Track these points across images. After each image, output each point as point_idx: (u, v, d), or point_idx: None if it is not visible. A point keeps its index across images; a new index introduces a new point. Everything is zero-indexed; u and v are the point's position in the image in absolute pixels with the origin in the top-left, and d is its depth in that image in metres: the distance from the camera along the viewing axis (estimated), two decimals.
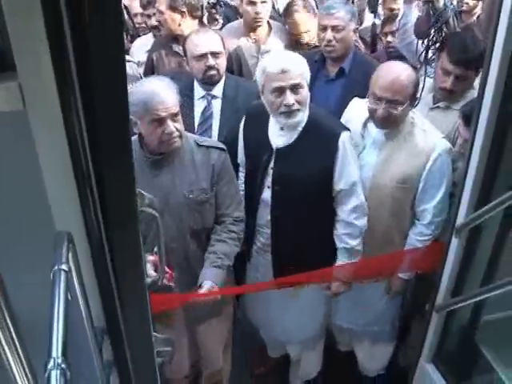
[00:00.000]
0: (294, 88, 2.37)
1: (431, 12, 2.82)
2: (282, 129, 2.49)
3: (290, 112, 2.40)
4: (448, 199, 2.50)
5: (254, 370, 3.41)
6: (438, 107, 2.78)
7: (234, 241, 2.51)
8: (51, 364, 0.96)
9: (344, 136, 2.46)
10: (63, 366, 0.97)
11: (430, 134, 2.50)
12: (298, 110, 2.41)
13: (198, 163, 2.42)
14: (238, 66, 3.32)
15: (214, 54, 2.83)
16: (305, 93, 2.41)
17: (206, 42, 2.84)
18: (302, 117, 2.45)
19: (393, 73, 2.41)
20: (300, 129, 2.48)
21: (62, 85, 1.18)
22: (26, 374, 0.74)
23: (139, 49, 3.57)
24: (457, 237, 2.09)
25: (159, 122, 2.26)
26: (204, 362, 2.91)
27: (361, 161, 2.56)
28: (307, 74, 2.42)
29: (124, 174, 0.91)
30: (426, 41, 2.83)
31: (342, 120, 2.68)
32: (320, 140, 2.46)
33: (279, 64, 2.36)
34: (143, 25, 4.10)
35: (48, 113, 1.25)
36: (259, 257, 2.77)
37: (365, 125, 2.57)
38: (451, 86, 2.64)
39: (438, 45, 2.80)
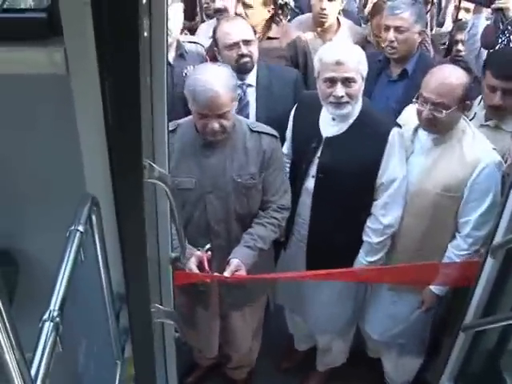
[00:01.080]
0: (346, 81, 2.36)
1: (501, 21, 2.70)
2: (333, 119, 2.49)
3: (338, 103, 2.40)
4: (492, 215, 2.35)
5: (281, 364, 3.42)
6: (488, 126, 2.67)
7: (273, 226, 2.51)
8: (46, 316, 1.01)
9: (394, 131, 2.44)
10: (57, 319, 1.01)
11: (479, 143, 2.42)
12: (348, 102, 2.40)
13: (249, 148, 2.43)
14: (303, 60, 3.29)
15: (246, 42, 2.80)
16: (357, 86, 2.39)
17: (238, 30, 2.82)
18: (351, 109, 2.44)
19: (441, 75, 2.37)
20: (351, 121, 2.47)
21: (102, 54, 1.21)
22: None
23: (203, 34, 3.60)
24: (492, 257, 2.02)
25: (204, 116, 2.28)
26: (233, 346, 2.95)
27: (408, 165, 2.51)
28: (364, 69, 2.40)
29: (131, 145, 0.94)
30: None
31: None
32: (370, 133, 2.45)
33: (335, 55, 2.36)
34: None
35: (89, 80, 1.29)
36: (298, 248, 2.76)
37: (415, 130, 2.52)
38: (499, 101, 2.52)
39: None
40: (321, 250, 2.64)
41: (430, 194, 2.45)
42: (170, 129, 2.37)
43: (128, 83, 0.89)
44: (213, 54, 3.17)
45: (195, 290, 2.60)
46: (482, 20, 3.14)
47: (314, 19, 3.55)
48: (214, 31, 2.94)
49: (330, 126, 2.51)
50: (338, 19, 3.58)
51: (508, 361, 2.21)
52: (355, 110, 2.46)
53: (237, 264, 2.39)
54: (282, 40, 3.27)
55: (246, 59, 2.83)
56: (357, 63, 2.37)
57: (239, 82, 2.89)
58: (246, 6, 3.08)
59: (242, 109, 2.88)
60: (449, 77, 2.35)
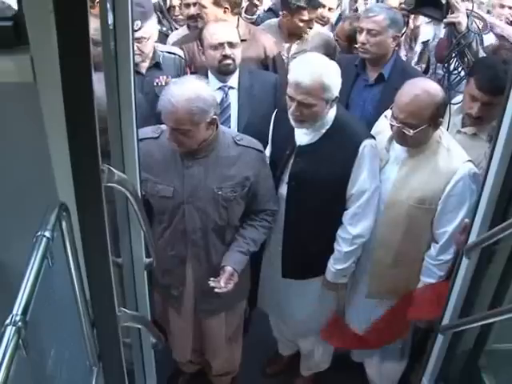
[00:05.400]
0: (303, 104, 2.34)
1: (453, 36, 2.71)
2: (307, 129, 2.48)
3: (295, 120, 2.41)
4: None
5: (265, 370, 3.42)
6: (465, 133, 2.65)
7: (264, 229, 2.56)
8: (8, 320, 1.01)
9: (366, 143, 2.43)
10: (20, 324, 1.01)
11: (454, 155, 2.40)
12: (303, 120, 2.40)
13: (232, 161, 2.42)
14: (272, 64, 3.36)
15: (231, 44, 2.85)
16: (316, 109, 2.35)
17: (224, 31, 2.87)
18: (311, 126, 2.44)
19: (412, 93, 2.31)
20: (324, 130, 2.47)
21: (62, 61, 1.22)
22: None
23: (173, 42, 3.64)
24: (467, 257, 2.03)
25: (168, 127, 2.28)
26: (210, 353, 2.95)
27: (382, 175, 2.52)
28: (330, 93, 2.33)
29: (88, 150, 0.95)
30: (446, 65, 2.74)
31: (373, 131, 2.64)
32: (341, 144, 2.44)
33: (296, 75, 2.33)
34: (180, 17, 4.17)
35: (56, 87, 1.30)
36: (275, 251, 2.76)
37: (391, 139, 2.51)
38: (478, 112, 2.50)
39: (460, 69, 2.71)
40: (294, 255, 2.66)
41: (404, 205, 2.46)
42: (154, 135, 2.41)
43: (81, 89, 0.91)
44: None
45: (168, 294, 2.63)
46: (442, 31, 3.18)
47: (290, 31, 3.63)
48: (200, 32, 2.98)
49: (303, 134, 2.51)
50: None
51: (486, 360, 2.24)
52: (328, 119, 2.45)
53: (231, 272, 2.43)
54: (251, 42, 3.30)
55: (229, 61, 2.88)
56: (319, 89, 2.30)
57: (221, 85, 2.93)
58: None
59: (224, 111, 2.92)
60: (420, 95, 2.29)
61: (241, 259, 2.48)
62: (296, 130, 2.52)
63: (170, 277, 2.58)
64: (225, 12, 3.25)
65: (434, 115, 2.30)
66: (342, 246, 2.56)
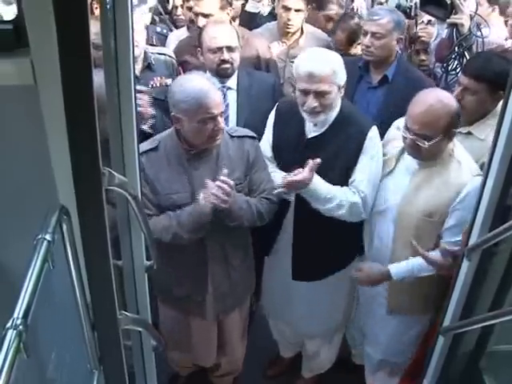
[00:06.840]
0: (319, 93, 2.37)
1: (455, 37, 2.71)
2: (315, 125, 2.50)
3: (312, 112, 2.42)
4: None
5: (267, 372, 3.42)
6: (460, 132, 2.57)
7: (263, 200, 2.47)
8: (9, 324, 1.00)
9: (373, 129, 2.47)
10: (21, 327, 1.00)
11: (465, 168, 2.34)
12: (321, 111, 2.42)
13: (232, 153, 2.45)
14: (265, 67, 3.38)
15: (230, 49, 2.85)
16: (332, 96, 2.40)
17: (223, 35, 2.86)
18: (326, 117, 2.45)
19: (425, 103, 2.23)
20: (331, 120, 2.49)
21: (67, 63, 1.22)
22: None
23: (173, 42, 3.65)
24: (468, 259, 2.03)
25: (208, 120, 2.27)
26: (228, 351, 2.95)
27: (393, 187, 2.49)
28: (341, 78, 2.39)
29: (89, 154, 0.95)
30: (445, 65, 2.75)
31: (385, 139, 2.62)
32: (348, 132, 2.47)
33: (308, 67, 2.35)
34: (181, 16, 4.19)
35: (56, 89, 1.30)
36: (283, 253, 2.74)
37: (402, 150, 2.46)
38: (457, 95, 2.49)
39: (458, 70, 2.72)
40: (306, 255, 2.65)
41: (413, 218, 2.40)
42: (152, 146, 2.40)
43: (82, 91, 0.91)
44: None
45: (187, 303, 2.64)
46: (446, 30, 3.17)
47: (280, 29, 3.66)
48: (200, 33, 2.98)
49: (312, 131, 2.53)
50: (301, 27, 3.68)
51: (487, 362, 2.23)
52: (330, 115, 2.47)
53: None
54: (245, 49, 3.30)
55: (227, 65, 2.89)
56: (331, 74, 2.35)
57: (220, 85, 2.93)
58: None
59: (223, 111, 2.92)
60: (434, 105, 2.22)
61: (238, 196, 2.38)
62: (307, 127, 2.53)
63: (190, 283, 2.58)
64: (234, 20, 3.29)
65: (449, 126, 2.23)
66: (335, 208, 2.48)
